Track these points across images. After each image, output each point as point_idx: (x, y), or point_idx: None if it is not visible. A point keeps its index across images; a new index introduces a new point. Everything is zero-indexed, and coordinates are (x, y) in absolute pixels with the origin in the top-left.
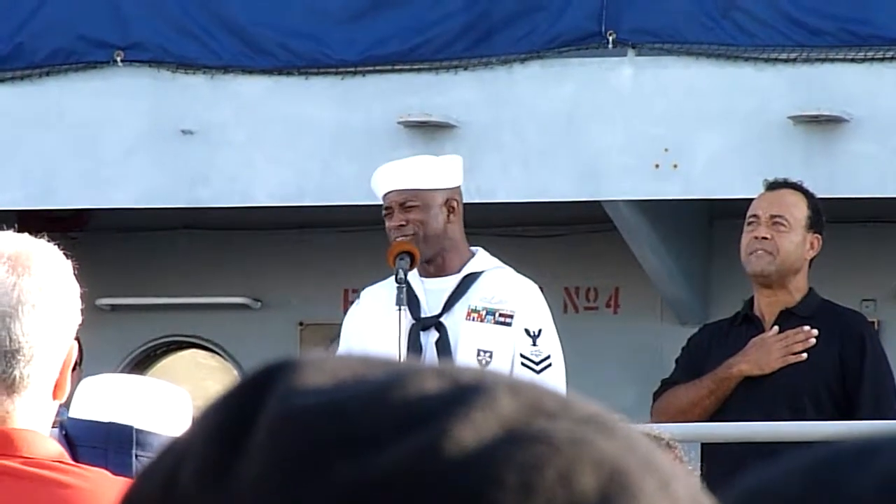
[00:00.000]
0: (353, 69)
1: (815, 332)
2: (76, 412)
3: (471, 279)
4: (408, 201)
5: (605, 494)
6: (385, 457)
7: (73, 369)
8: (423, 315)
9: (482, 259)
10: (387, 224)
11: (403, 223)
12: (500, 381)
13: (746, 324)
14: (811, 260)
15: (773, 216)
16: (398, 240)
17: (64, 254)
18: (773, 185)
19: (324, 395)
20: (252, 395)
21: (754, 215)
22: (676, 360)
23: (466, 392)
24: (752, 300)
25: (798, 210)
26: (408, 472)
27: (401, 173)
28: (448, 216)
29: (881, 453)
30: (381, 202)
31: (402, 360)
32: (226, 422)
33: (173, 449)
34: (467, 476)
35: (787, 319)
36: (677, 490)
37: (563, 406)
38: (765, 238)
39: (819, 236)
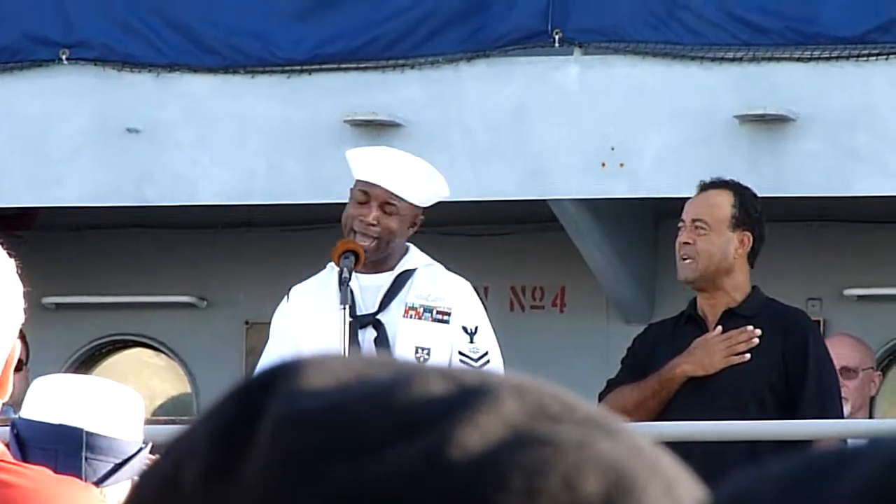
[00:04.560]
0: (299, 68)
1: (759, 331)
2: (28, 412)
3: (405, 276)
4: (388, 205)
5: (609, 498)
6: (387, 460)
7: (19, 369)
8: (359, 312)
9: (414, 256)
10: (352, 209)
11: (374, 223)
12: (505, 383)
13: (691, 323)
14: (752, 258)
15: (693, 220)
16: (345, 238)
17: (7, 252)
18: (702, 187)
19: (327, 397)
20: (255, 396)
21: (682, 220)
22: (622, 361)
23: (471, 395)
24: (695, 300)
25: (719, 210)
26: (410, 475)
27: (397, 173)
28: (407, 230)
29: (859, 462)
30: (328, 200)
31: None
32: (229, 423)
33: (175, 450)
34: (471, 480)
35: (731, 319)
36: (681, 494)
37: (566, 408)
38: (686, 243)
39: (749, 233)
